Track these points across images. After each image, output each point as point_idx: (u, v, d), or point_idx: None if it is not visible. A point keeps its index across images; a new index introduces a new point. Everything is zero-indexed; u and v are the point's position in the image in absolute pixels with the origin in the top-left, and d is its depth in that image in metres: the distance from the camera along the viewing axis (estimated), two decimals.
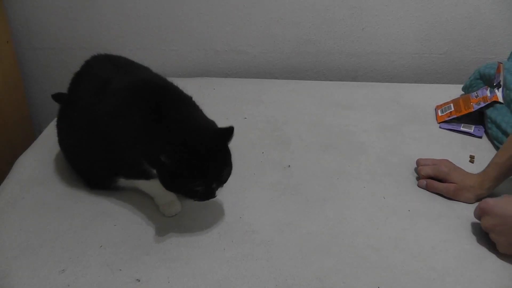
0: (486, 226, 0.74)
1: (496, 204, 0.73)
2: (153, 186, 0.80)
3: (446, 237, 0.78)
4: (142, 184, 0.81)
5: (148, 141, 0.72)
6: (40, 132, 1.07)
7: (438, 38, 1.36)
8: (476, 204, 0.79)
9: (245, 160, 0.95)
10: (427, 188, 0.89)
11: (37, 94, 1.49)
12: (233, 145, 0.81)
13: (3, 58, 1.31)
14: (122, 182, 0.83)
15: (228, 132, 0.73)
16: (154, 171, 0.75)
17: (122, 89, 0.78)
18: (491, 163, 0.86)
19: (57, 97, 0.95)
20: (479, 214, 0.76)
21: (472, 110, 1.09)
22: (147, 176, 0.77)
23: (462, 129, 1.08)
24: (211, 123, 0.76)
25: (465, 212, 0.82)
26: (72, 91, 0.87)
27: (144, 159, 0.74)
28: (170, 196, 0.82)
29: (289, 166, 0.95)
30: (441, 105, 1.16)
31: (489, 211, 0.73)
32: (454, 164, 0.91)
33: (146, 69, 0.89)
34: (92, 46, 1.40)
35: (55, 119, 1.00)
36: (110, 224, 0.79)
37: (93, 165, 0.83)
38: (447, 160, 0.92)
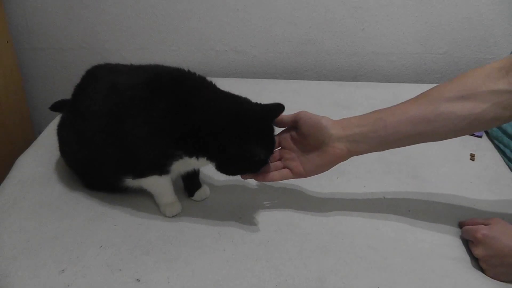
0: (478, 255, 0.72)
1: (490, 235, 0.71)
2: (160, 184, 0.80)
3: (445, 238, 0.78)
4: (150, 181, 0.79)
5: (182, 126, 0.72)
6: (40, 132, 1.07)
7: (438, 38, 1.36)
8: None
9: None
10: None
11: (37, 94, 1.49)
12: None
13: (3, 58, 1.31)
14: (130, 182, 0.81)
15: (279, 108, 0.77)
16: (170, 165, 0.75)
17: (134, 84, 0.77)
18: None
19: (55, 107, 0.95)
20: (470, 240, 0.74)
21: None
22: (161, 171, 0.77)
23: None
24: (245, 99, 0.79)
25: (466, 213, 0.82)
26: (77, 101, 0.85)
27: (179, 147, 0.73)
28: (172, 197, 0.82)
29: None
30: None
31: (484, 242, 0.71)
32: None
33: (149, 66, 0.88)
34: (92, 46, 1.40)
35: (55, 119, 1.00)
36: (110, 224, 0.79)
37: (102, 169, 0.81)
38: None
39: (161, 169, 0.77)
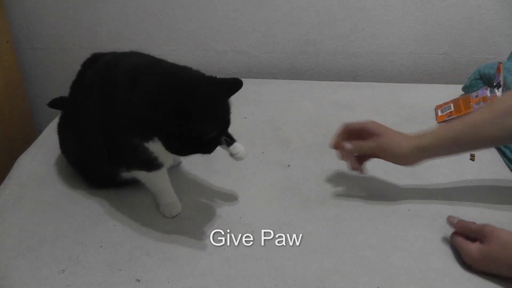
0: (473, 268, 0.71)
1: (485, 253, 0.69)
2: (155, 179, 0.79)
3: (446, 237, 0.78)
4: (145, 177, 0.79)
5: (136, 110, 0.69)
6: (40, 132, 1.07)
7: (438, 38, 1.36)
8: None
9: (245, 159, 0.95)
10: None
11: (37, 94, 1.49)
12: None
13: (3, 58, 1.31)
14: (126, 175, 0.81)
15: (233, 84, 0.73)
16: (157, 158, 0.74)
17: (110, 77, 0.75)
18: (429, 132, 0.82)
19: (53, 104, 0.95)
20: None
21: (472, 110, 1.09)
22: (148, 166, 0.76)
23: None
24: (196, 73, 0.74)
25: (466, 212, 0.82)
26: (71, 98, 0.86)
27: (137, 134, 0.70)
28: (172, 197, 0.82)
29: (289, 166, 0.95)
30: (441, 105, 1.16)
31: (478, 264, 0.70)
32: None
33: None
34: (92, 46, 1.40)
35: (55, 119, 1.00)
36: (110, 224, 0.79)
37: (99, 164, 0.82)
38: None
39: (147, 164, 0.75)
